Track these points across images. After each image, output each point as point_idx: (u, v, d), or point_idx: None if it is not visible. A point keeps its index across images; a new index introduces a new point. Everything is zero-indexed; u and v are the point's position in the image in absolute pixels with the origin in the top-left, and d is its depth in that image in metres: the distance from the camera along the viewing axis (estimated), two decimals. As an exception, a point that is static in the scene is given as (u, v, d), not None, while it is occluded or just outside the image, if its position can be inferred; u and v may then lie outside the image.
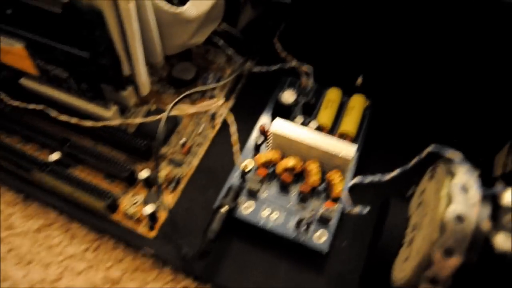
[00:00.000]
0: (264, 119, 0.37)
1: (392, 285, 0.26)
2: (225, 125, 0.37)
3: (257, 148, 0.35)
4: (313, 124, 0.35)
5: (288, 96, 0.36)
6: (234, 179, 0.33)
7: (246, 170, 0.33)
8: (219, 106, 0.38)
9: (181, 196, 0.34)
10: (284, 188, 0.33)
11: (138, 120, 0.36)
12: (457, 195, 0.22)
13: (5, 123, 0.37)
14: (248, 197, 0.32)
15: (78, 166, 0.35)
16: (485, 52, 0.35)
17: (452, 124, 0.37)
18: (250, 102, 0.39)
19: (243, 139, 0.36)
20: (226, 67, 0.42)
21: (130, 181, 0.34)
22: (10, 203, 0.35)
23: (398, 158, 0.28)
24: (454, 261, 0.22)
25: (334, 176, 0.32)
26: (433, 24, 0.35)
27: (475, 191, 0.22)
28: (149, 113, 0.37)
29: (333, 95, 0.37)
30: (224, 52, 0.42)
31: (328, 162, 0.32)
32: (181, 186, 0.34)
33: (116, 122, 0.35)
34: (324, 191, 0.33)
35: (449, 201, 0.22)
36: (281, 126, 0.33)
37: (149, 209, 0.31)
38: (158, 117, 0.35)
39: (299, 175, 0.33)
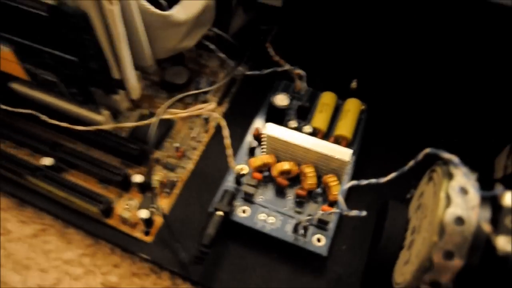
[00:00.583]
0: (258, 123, 0.37)
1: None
2: (219, 129, 0.37)
3: (251, 152, 0.35)
4: (308, 128, 0.35)
5: (281, 99, 0.36)
6: (228, 183, 0.33)
7: (241, 173, 0.33)
8: (212, 110, 0.37)
9: (176, 200, 0.34)
10: (280, 192, 0.33)
11: (130, 124, 0.36)
12: (456, 197, 0.22)
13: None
14: (244, 200, 0.32)
15: (72, 171, 0.35)
16: (483, 54, 0.35)
17: (450, 127, 0.37)
18: (244, 106, 0.39)
19: (237, 143, 0.36)
20: (219, 71, 0.41)
21: (124, 186, 0.34)
22: (6, 208, 0.34)
23: (396, 161, 0.28)
24: (455, 264, 0.22)
25: (331, 180, 0.32)
26: (429, 25, 0.35)
27: (474, 193, 0.22)
28: (142, 118, 0.37)
29: (327, 99, 0.37)
30: (217, 56, 0.42)
31: (324, 166, 0.32)
32: (177, 190, 0.34)
33: (108, 126, 0.35)
34: (321, 195, 0.33)
35: (448, 203, 0.22)
36: (276, 129, 0.33)
37: (143, 213, 0.31)
38: (150, 121, 0.35)
39: (295, 179, 0.33)
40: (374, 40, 0.39)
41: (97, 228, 0.32)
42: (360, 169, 0.34)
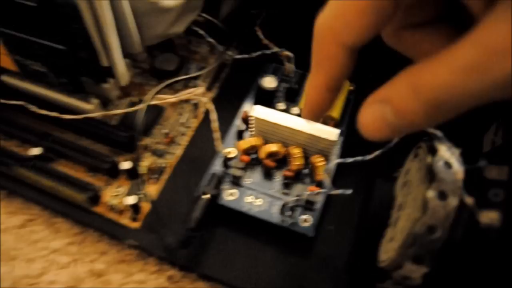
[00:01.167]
0: (246, 106, 0.37)
1: (378, 266, 0.26)
2: (209, 114, 0.37)
3: (239, 135, 0.35)
4: (296, 109, 0.35)
5: (269, 82, 0.36)
6: (216, 166, 0.33)
7: (229, 156, 0.32)
8: (201, 94, 0.37)
9: (164, 186, 0.33)
10: (268, 174, 0.33)
11: (118, 111, 0.36)
12: (439, 172, 0.22)
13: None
14: (231, 184, 0.32)
15: (61, 161, 0.35)
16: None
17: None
18: (234, 90, 0.38)
19: (227, 127, 0.36)
20: (209, 57, 0.41)
21: (113, 173, 0.33)
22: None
23: (384, 142, 0.28)
24: (438, 238, 0.21)
25: (318, 160, 0.31)
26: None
27: (457, 167, 0.22)
28: (132, 105, 0.37)
29: (316, 80, 0.36)
30: (207, 42, 0.41)
31: (312, 146, 0.32)
32: (165, 176, 0.34)
33: (96, 114, 0.35)
34: (308, 175, 0.32)
35: (432, 178, 0.22)
36: (263, 111, 0.32)
37: (130, 200, 0.31)
38: (138, 107, 0.35)
39: (283, 161, 0.33)
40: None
41: (85, 216, 0.32)
42: (348, 149, 0.34)
